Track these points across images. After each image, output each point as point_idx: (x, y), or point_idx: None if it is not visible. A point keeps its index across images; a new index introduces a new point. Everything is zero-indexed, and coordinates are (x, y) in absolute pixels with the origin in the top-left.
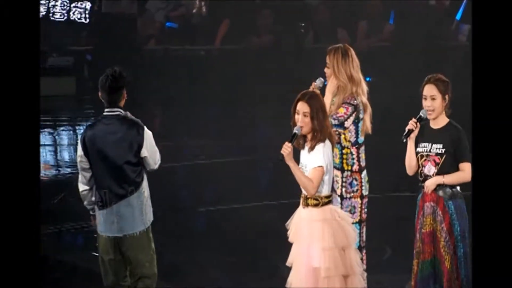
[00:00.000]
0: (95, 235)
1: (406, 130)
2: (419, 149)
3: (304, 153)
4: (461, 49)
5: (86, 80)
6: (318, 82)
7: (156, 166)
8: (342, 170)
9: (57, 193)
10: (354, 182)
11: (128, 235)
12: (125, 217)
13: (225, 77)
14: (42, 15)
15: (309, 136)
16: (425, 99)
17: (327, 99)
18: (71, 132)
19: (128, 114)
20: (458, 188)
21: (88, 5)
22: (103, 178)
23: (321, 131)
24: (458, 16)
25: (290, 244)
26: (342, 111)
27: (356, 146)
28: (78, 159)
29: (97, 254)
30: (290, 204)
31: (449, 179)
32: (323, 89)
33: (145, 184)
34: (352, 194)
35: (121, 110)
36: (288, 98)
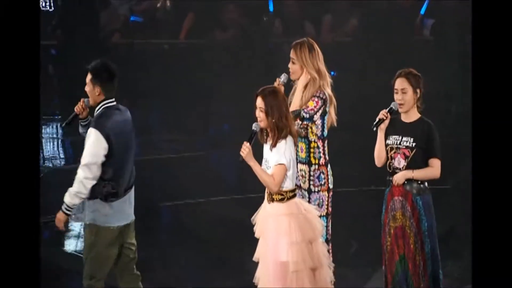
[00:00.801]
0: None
1: (377, 120)
2: (388, 141)
3: (266, 148)
4: (425, 43)
5: (50, 75)
6: (283, 77)
7: None
8: (309, 164)
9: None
10: (322, 175)
11: (131, 221)
12: (132, 203)
13: (190, 71)
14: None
15: (270, 132)
16: (396, 92)
17: (299, 94)
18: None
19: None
20: (426, 183)
21: None
22: (123, 168)
23: (277, 127)
24: (422, 11)
25: (257, 239)
26: (312, 104)
27: (322, 139)
28: (102, 152)
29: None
30: (257, 198)
31: (418, 174)
32: (289, 85)
33: None
34: (320, 187)
35: None
36: (252, 92)
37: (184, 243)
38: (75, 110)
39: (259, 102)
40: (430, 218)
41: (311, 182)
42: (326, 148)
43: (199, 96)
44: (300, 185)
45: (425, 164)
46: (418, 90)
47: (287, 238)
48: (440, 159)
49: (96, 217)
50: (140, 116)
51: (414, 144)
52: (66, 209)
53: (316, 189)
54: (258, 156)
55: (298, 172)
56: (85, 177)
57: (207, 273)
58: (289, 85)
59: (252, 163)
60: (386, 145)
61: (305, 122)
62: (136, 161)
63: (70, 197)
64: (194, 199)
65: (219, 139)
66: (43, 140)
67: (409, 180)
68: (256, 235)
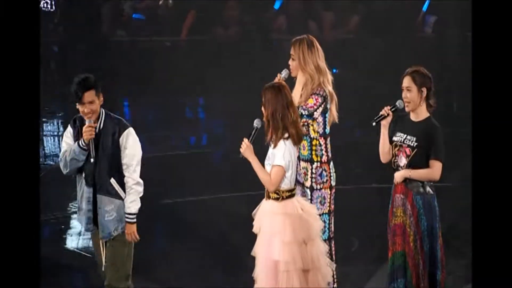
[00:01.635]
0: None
1: (379, 115)
2: (395, 138)
3: (270, 147)
4: (427, 40)
5: (52, 72)
6: (284, 73)
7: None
8: (311, 161)
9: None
10: (324, 173)
11: None
12: None
13: (192, 68)
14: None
15: (268, 129)
16: (403, 90)
17: (297, 91)
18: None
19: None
20: (430, 183)
21: None
22: None
23: (271, 123)
24: (424, 8)
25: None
26: (311, 101)
27: (324, 136)
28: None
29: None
30: (258, 195)
31: (415, 174)
32: (290, 81)
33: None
34: (322, 185)
35: None
36: (255, 89)
37: (185, 241)
38: (90, 135)
39: (263, 98)
40: (431, 218)
41: (313, 180)
42: (328, 146)
43: (201, 93)
44: (302, 182)
45: (426, 165)
46: (423, 89)
47: (280, 237)
48: (441, 161)
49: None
50: (142, 113)
51: (416, 143)
52: (134, 219)
53: (318, 186)
54: (262, 153)
55: (300, 169)
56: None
57: (209, 270)
58: (291, 82)
59: (251, 159)
60: (392, 142)
61: (304, 119)
62: None
63: (136, 204)
64: (196, 197)
65: (221, 136)
66: (44, 138)
67: (410, 179)
68: (254, 230)
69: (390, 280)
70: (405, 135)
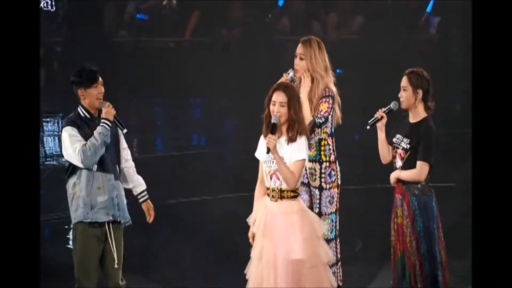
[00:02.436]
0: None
1: (373, 118)
2: (394, 140)
3: (279, 145)
4: (431, 41)
5: (55, 73)
6: (291, 73)
7: (80, 164)
8: (320, 162)
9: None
10: (332, 172)
11: None
12: None
13: (195, 69)
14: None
15: (284, 127)
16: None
17: (302, 95)
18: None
19: (77, 111)
20: (428, 185)
21: None
22: None
23: (298, 121)
24: (428, 9)
25: None
26: (324, 107)
27: (331, 136)
28: None
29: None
30: None
31: (404, 175)
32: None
33: (71, 183)
34: (331, 184)
35: (79, 106)
36: (258, 90)
37: (189, 241)
38: (113, 112)
39: (279, 96)
40: (427, 220)
41: (323, 180)
42: (334, 145)
43: (204, 93)
44: (309, 183)
45: None
46: (419, 91)
47: (300, 234)
48: (427, 162)
49: None
50: (146, 114)
51: (408, 145)
52: None
53: (328, 186)
54: (251, 149)
55: (306, 170)
56: None
57: (212, 270)
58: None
59: (278, 156)
60: (392, 143)
61: (323, 127)
62: (141, 159)
63: None
64: (199, 197)
65: (225, 135)
66: (45, 138)
67: (406, 181)
68: (261, 234)
69: (395, 280)
70: (402, 137)
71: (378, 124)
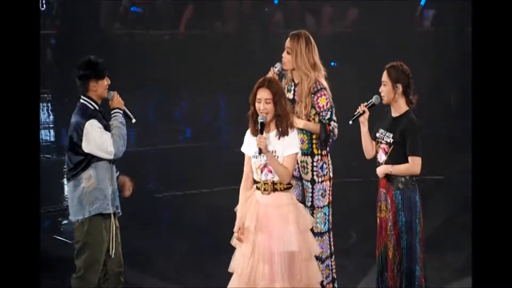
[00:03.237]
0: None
1: (355, 113)
2: (377, 134)
3: (268, 141)
4: (425, 34)
5: (50, 65)
6: (278, 66)
7: (110, 156)
8: (312, 155)
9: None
10: (324, 165)
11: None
12: (69, 201)
13: (190, 62)
14: None
15: (272, 123)
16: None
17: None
18: None
19: (83, 103)
20: (413, 179)
21: None
22: None
23: (285, 115)
24: (422, 2)
25: None
26: (323, 101)
27: None
28: None
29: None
30: None
31: (396, 170)
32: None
33: (85, 175)
34: (323, 177)
35: (85, 99)
36: (252, 83)
37: (184, 234)
38: (122, 102)
39: (265, 93)
40: (410, 214)
41: (315, 173)
42: None
43: (198, 86)
44: (301, 176)
45: (405, 160)
46: (398, 85)
47: (294, 226)
48: (418, 156)
49: None
50: (140, 107)
51: (392, 140)
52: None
53: (320, 179)
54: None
55: (298, 163)
56: None
57: (207, 264)
58: (282, 75)
59: (269, 155)
60: (375, 138)
61: (332, 121)
62: (135, 152)
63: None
64: (196, 190)
65: (218, 129)
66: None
67: (391, 175)
68: (253, 228)
69: (377, 273)
70: (385, 132)
71: (361, 119)
